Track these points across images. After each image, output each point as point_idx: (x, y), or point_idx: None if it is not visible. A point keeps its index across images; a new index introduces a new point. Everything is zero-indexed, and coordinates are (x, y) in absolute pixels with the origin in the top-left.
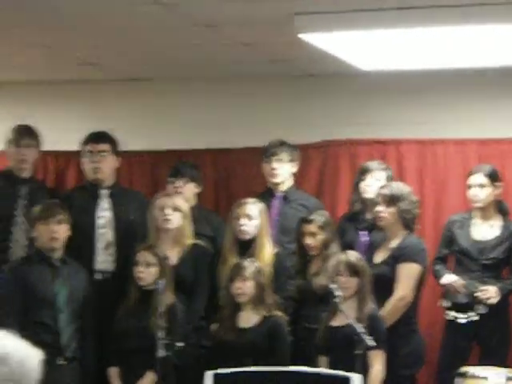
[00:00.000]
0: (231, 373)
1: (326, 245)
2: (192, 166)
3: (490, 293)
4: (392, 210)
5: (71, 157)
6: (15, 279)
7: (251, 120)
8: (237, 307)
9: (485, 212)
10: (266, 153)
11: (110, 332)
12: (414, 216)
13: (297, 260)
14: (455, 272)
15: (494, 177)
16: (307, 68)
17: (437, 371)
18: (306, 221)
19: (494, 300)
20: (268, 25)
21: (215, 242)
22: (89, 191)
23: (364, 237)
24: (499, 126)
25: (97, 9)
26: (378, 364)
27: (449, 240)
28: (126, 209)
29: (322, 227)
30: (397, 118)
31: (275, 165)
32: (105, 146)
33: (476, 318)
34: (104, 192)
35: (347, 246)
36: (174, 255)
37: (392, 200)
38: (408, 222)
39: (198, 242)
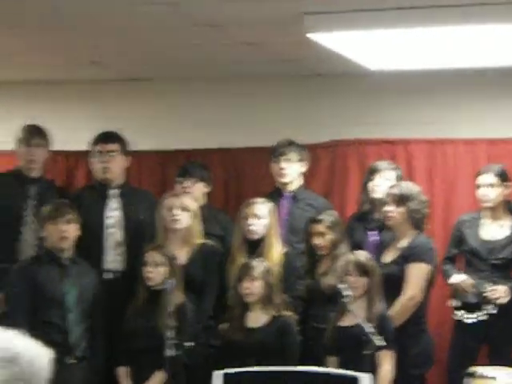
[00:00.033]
0: (240, 372)
1: (334, 245)
2: (201, 166)
3: (500, 292)
4: (401, 209)
5: (80, 157)
6: (25, 279)
7: (260, 120)
8: (245, 307)
9: (494, 212)
10: (274, 152)
11: (119, 332)
12: (424, 216)
13: (305, 260)
14: (464, 272)
15: (503, 177)
16: (316, 68)
17: (446, 371)
18: (314, 221)
19: (504, 300)
20: (276, 25)
21: (224, 242)
22: (98, 191)
23: (373, 237)
24: (509, 126)
25: (111, 8)
26: (387, 364)
27: (458, 240)
28: (135, 208)
29: (330, 227)
30: (405, 117)
31: (284, 164)
32: (114, 146)
33: (484, 317)
34: (113, 192)
35: (356, 245)
36: (183, 255)
37: (401, 200)
38: (417, 222)
39: (207, 241)
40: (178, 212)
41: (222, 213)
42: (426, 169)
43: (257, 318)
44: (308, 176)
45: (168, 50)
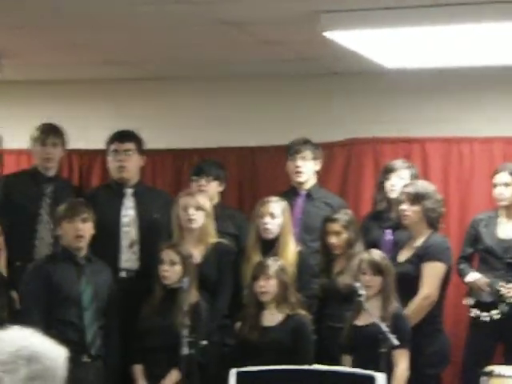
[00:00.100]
0: (255, 371)
1: (349, 244)
2: (216, 165)
3: None
4: (416, 208)
5: (96, 155)
6: (40, 278)
7: (275, 118)
8: (260, 306)
9: (510, 211)
10: (289, 150)
11: (134, 330)
12: (439, 215)
13: (320, 259)
14: (479, 270)
15: None
16: (332, 66)
17: (462, 370)
18: (330, 220)
19: None
20: (293, 23)
21: (239, 241)
22: (113, 190)
23: (388, 235)
24: None
25: (124, 7)
26: (402, 363)
27: (473, 239)
28: (149, 207)
29: (346, 226)
30: (422, 116)
31: (299, 162)
32: (130, 145)
33: (499, 316)
34: (129, 191)
35: (371, 244)
36: (197, 254)
37: (417, 198)
38: (433, 221)
39: (222, 240)
40: (193, 211)
41: (237, 212)
42: (441, 167)
43: (272, 317)
44: (323, 174)
45: (184, 48)
